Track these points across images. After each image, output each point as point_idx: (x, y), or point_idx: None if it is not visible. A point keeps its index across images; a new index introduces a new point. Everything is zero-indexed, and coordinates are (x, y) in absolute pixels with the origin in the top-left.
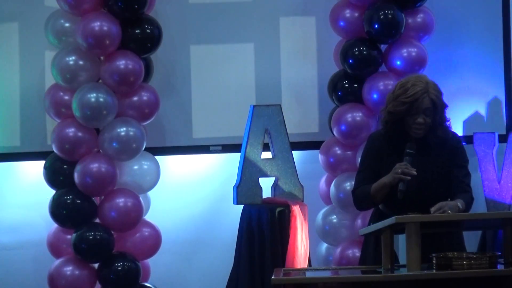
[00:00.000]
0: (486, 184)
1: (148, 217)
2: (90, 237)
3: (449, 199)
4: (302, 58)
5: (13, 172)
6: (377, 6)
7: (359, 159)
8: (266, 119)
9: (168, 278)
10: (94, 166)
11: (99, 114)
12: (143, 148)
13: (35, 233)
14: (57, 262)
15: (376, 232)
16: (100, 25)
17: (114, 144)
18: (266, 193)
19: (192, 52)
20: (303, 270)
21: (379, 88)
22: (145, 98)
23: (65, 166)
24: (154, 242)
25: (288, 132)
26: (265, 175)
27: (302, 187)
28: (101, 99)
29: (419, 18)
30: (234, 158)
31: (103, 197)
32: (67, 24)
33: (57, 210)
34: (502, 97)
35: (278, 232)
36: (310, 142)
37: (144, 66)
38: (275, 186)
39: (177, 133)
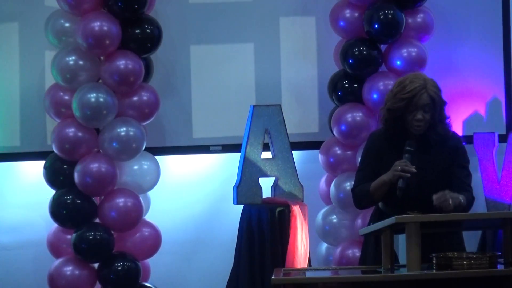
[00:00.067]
0: (486, 184)
1: (148, 217)
2: (90, 237)
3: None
4: (302, 58)
5: (13, 172)
6: (377, 6)
7: (359, 158)
8: (266, 119)
9: (168, 278)
10: (94, 166)
11: (99, 114)
12: (143, 148)
13: (35, 233)
14: (57, 262)
15: (376, 232)
16: (100, 25)
17: (114, 144)
18: (266, 193)
19: (192, 52)
20: (303, 270)
21: (379, 88)
22: (145, 98)
23: (65, 166)
24: (154, 242)
25: (288, 132)
26: (265, 175)
27: (302, 187)
28: (101, 99)
29: (419, 18)
30: (234, 158)
31: (103, 197)
32: (67, 24)
33: (57, 210)
34: (502, 97)
35: (278, 232)
36: (310, 142)
37: (144, 66)
38: (275, 186)
39: (177, 133)
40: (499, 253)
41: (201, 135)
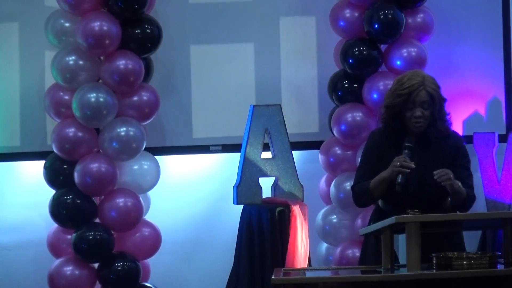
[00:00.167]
0: (486, 184)
1: (148, 217)
2: (90, 237)
3: (449, 198)
4: (302, 58)
5: (13, 172)
6: (377, 6)
7: (360, 157)
8: (266, 119)
9: (168, 278)
10: (94, 166)
11: (99, 114)
12: (143, 148)
13: (35, 233)
14: (57, 262)
15: (376, 232)
16: (100, 25)
17: (114, 144)
18: (266, 193)
19: (192, 52)
20: (303, 270)
21: (379, 88)
22: (145, 98)
23: (65, 166)
24: (154, 242)
25: (288, 132)
26: (265, 175)
27: (302, 187)
28: (101, 99)
29: (419, 18)
30: (234, 158)
31: (103, 197)
32: (67, 24)
33: (57, 210)
34: (502, 97)
35: (278, 232)
36: (310, 142)
37: (144, 66)
38: (275, 186)
39: (177, 133)
40: (499, 253)
41: (201, 135)
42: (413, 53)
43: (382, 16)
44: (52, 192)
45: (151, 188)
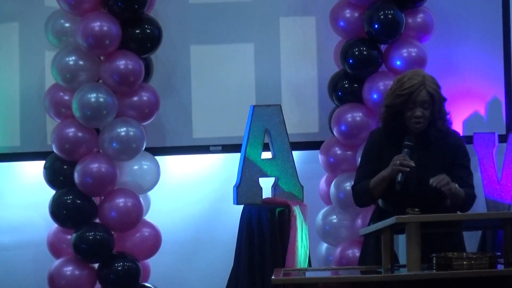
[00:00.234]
0: (486, 184)
1: (148, 217)
2: (90, 237)
3: (448, 199)
4: (302, 58)
5: (13, 172)
6: (377, 6)
7: (360, 157)
8: (266, 119)
9: (168, 278)
10: (94, 166)
11: (99, 114)
12: (143, 148)
13: (35, 233)
14: (57, 262)
15: (376, 232)
16: (100, 25)
17: (114, 144)
18: (266, 193)
19: (192, 52)
20: (303, 270)
21: (379, 88)
22: (145, 98)
23: (65, 166)
24: (154, 242)
25: (288, 132)
26: (265, 175)
27: (302, 187)
28: (101, 99)
29: (419, 18)
30: (234, 158)
31: (103, 197)
32: (67, 24)
33: (57, 210)
34: (502, 97)
35: (278, 232)
36: (310, 142)
37: (144, 66)
38: (275, 186)
39: (177, 133)
40: (499, 253)
41: (201, 135)
42: (413, 53)
43: (382, 16)
44: (52, 192)
45: (151, 188)
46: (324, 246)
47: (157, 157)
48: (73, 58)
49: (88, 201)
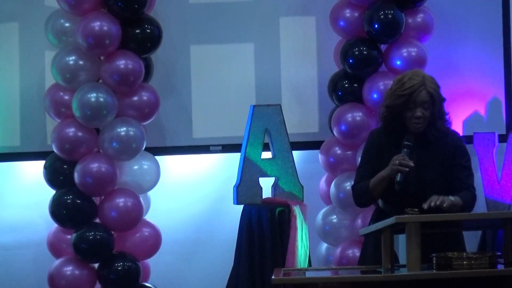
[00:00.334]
0: (486, 184)
1: (148, 217)
2: (90, 237)
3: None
4: (302, 58)
5: (13, 172)
6: (377, 6)
7: (360, 157)
8: (266, 119)
9: (168, 278)
10: (94, 166)
11: (99, 114)
12: (143, 148)
13: (35, 233)
14: (57, 262)
15: (376, 232)
16: (100, 25)
17: (114, 144)
18: (266, 193)
19: (192, 52)
20: (303, 270)
21: (379, 88)
22: (145, 98)
23: (65, 166)
24: (154, 242)
25: (288, 132)
26: (265, 175)
27: (302, 187)
28: (101, 99)
29: (419, 18)
30: (234, 158)
31: (103, 197)
32: (67, 24)
33: (57, 210)
34: (502, 97)
35: (278, 232)
36: (310, 142)
37: (144, 66)
38: (275, 186)
39: (177, 133)
40: (499, 253)
41: (201, 135)
42: (413, 53)
43: (382, 16)
44: (52, 192)
45: (151, 188)
46: (324, 246)
47: (157, 157)
48: (73, 58)
49: (88, 201)
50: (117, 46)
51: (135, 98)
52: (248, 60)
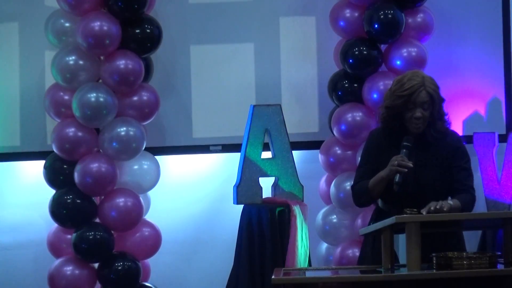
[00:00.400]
0: (486, 184)
1: (148, 217)
2: (90, 237)
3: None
4: (302, 58)
5: (13, 172)
6: (377, 6)
7: (359, 157)
8: (266, 119)
9: (168, 278)
10: (94, 166)
11: (99, 114)
12: (143, 148)
13: (35, 233)
14: (57, 262)
15: (375, 232)
16: (100, 25)
17: (114, 144)
18: (266, 193)
19: (192, 52)
20: (303, 270)
21: (379, 88)
22: (145, 98)
23: (65, 166)
24: (154, 242)
25: (288, 132)
26: (265, 175)
27: (302, 187)
28: (101, 99)
29: (419, 18)
30: (234, 158)
31: (103, 197)
32: (67, 24)
33: (57, 210)
34: (502, 97)
35: (278, 232)
36: (310, 142)
37: (144, 66)
38: (275, 186)
39: (177, 133)
40: (499, 253)
41: (201, 135)
42: (413, 53)
43: (382, 16)
44: (52, 192)
45: (151, 188)
46: (324, 246)
47: (157, 157)
48: (73, 58)
49: (88, 201)
50: (117, 46)
51: (135, 98)
52: (248, 60)
